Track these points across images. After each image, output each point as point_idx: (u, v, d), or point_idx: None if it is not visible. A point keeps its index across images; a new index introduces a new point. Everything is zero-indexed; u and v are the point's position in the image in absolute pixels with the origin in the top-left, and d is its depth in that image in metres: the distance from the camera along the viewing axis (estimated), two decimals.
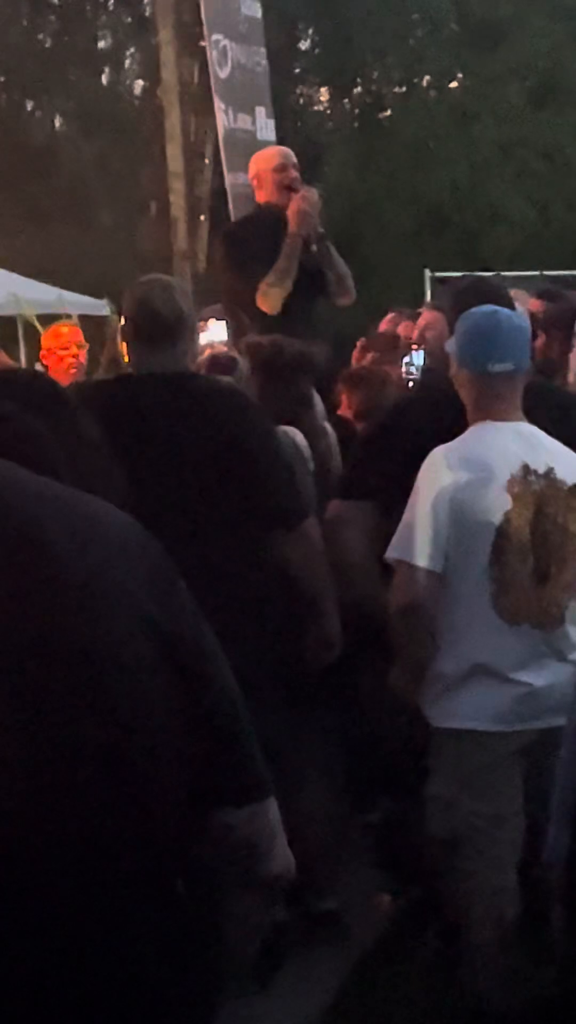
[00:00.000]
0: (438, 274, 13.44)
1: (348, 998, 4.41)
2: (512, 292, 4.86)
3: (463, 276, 10.28)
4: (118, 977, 1.97)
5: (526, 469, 3.84)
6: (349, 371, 5.90)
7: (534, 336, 4.88)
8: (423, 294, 13.17)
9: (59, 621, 1.98)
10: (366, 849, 5.02)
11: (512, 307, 4.46)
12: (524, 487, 3.83)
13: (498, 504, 3.80)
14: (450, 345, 4.03)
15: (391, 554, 3.88)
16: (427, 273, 13.42)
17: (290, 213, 6.26)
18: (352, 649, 4.38)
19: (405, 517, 3.87)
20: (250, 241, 6.31)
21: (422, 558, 3.80)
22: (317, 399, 5.07)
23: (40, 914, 1.92)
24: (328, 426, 5.05)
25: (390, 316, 7.70)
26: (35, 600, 1.98)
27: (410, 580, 3.83)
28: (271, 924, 4.26)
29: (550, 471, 3.87)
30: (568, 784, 3.07)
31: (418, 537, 3.81)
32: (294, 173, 6.44)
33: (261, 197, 6.50)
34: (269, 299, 6.06)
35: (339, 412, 5.53)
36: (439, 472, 3.84)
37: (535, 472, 3.85)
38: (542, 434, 3.94)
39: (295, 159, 6.61)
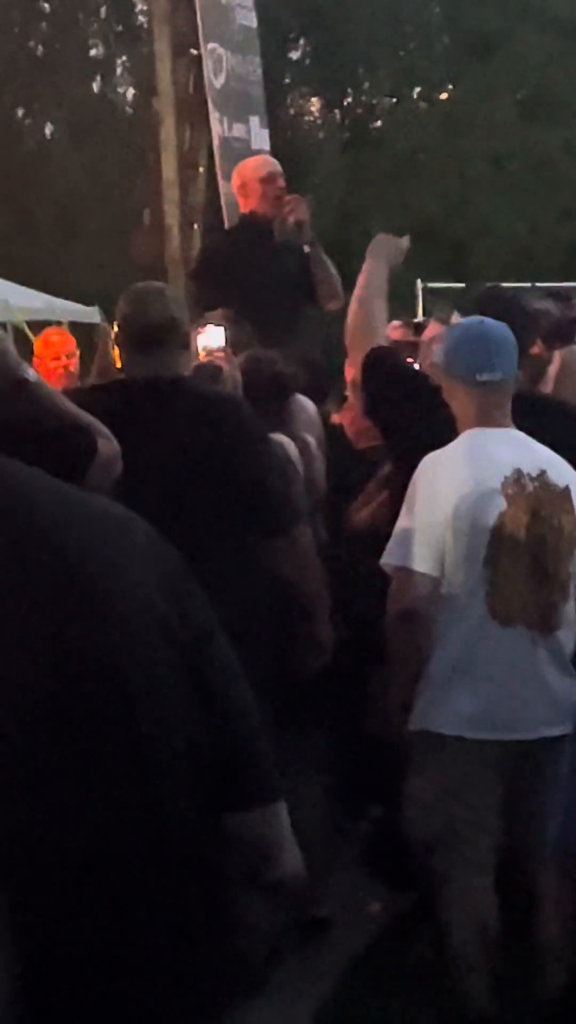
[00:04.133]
0: (430, 285, 13.48)
1: (339, 1004, 4.41)
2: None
3: (455, 287, 10.30)
4: (130, 977, 1.98)
5: (519, 472, 3.87)
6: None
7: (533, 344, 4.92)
8: (415, 305, 13.19)
9: (77, 621, 1.99)
10: (358, 856, 5.03)
11: (527, 317, 4.52)
12: (518, 489, 3.86)
13: (493, 506, 3.83)
14: (438, 355, 4.06)
15: (388, 560, 3.89)
16: (419, 284, 13.46)
17: (294, 222, 6.25)
18: (346, 655, 4.39)
19: (400, 523, 3.89)
20: (238, 251, 6.31)
21: (420, 563, 3.82)
22: (306, 407, 5.08)
23: (58, 912, 1.92)
24: (309, 436, 5.05)
25: (395, 324, 7.69)
26: (54, 601, 1.99)
27: (408, 586, 3.85)
28: (280, 928, 4.26)
29: (543, 474, 3.90)
30: None
31: (415, 543, 3.83)
32: (282, 183, 6.45)
33: (247, 206, 6.48)
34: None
35: (334, 419, 5.53)
36: (433, 477, 3.87)
37: (528, 475, 3.88)
38: (532, 440, 3.97)
39: (280, 169, 6.61)
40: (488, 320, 4.06)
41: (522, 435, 3.98)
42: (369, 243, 4.77)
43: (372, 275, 4.66)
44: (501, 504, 3.84)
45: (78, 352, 7.68)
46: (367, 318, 4.57)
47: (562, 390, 4.91)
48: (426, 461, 3.92)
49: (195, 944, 2.07)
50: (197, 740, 2.09)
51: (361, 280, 4.66)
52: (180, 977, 2.04)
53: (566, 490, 3.93)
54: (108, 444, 3.22)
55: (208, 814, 2.14)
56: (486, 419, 3.96)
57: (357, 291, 4.65)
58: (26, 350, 12.16)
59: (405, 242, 4.85)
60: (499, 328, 4.02)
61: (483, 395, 3.95)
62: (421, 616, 3.85)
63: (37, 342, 7.96)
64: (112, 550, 2.09)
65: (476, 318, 4.05)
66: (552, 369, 5.00)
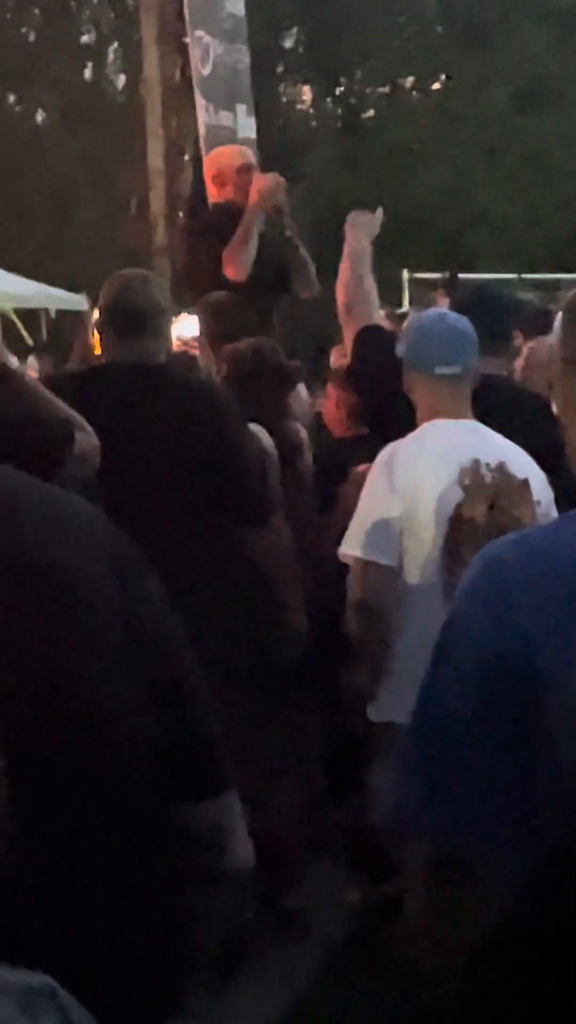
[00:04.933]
0: (416, 275, 13.48)
1: (314, 995, 4.41)
2: None
3: (442, 277, 10.29)
4: (83, 967, 1.96)
5: (477, 463, 3.88)
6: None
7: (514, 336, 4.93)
8: (401, 295, 13.18)
9: (22, 604, 1.98)
10: (336, 847, 5.02)
11: (505, 309, 4.52)
12: (476, 480, 3.87)
13: (450, 496, 3.83)
14: (400, 348, 4.07)
15: (344, 550, 3.89)
16: (405, 274, 13.46)
17: (255, 188, 6.18)
18: (328, 644, 4.37)
19: (357, 513, 3.89)
20: (216, 240, 6.27)
21: (377, 554, 3.82)
22: (301, 395, 5.07)
23: (9, 903, 1.91)
24: (300, 426, 5.05)
25: (380, 314, 7.66)
26: (5, 590, 1.98)
27: (364, 576, 3.84)
28: (235, 918, 4.26)
29: (502, 465, 3.91)
30: None
31: (371, 532, 3.83)
32: (257, 174, 6.41)
33: (220, 196, 6.43)
34: (234, 265, 5.97)
35: (317, 407, 5.53)
36: (391, 468, 3.87)
37: (487, 466, 3.89)
38: (492, 431, 3.99)
39: (254, 160, 6.57)
40: (448, 313, 4.10)
41: (482, 426, 4.00)
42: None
43: (356, 249, 4.66)
44: (459, 494, 3.85)
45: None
46: (360, 291, 4.57)
47: (528, 381, 4.92)
48: (384, 452, 3.93)
49: (148, 933, 2.06)
50: (149, 730, 2.08)
51: (347, 257, 4.66)
52: (133, 966, 2.04)
53: (525, 481, 3.94)
54: (86, 437, 3.22)
55: (160, 803, 2.13)
56: (445, 411, 3.97)
57: (345, 268, 4.64)
58: (13, 336, 12.13)
59: (379, 215, 4.86)
60: (459, 321, 4.05)
61: (442, 388, 3.96)
62: (379, 607, 3.85)
63: None
64: (67, 542, 2.08)
65: (437, 311, 4.09)
66: (519, 362, 5.01)
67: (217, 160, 6.61)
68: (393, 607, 3.86)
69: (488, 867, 1.62)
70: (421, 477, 3.85)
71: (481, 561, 1.76)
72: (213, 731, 2.26)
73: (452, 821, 1.68)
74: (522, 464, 3.96)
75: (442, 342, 3.98)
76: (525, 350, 5.09)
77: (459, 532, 3.83)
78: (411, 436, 3.96)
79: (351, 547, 3.88)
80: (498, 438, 3.98)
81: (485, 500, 3.87)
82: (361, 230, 4.72)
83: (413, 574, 3.84)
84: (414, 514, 3.83)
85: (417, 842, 1.84)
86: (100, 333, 4.33)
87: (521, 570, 1.69)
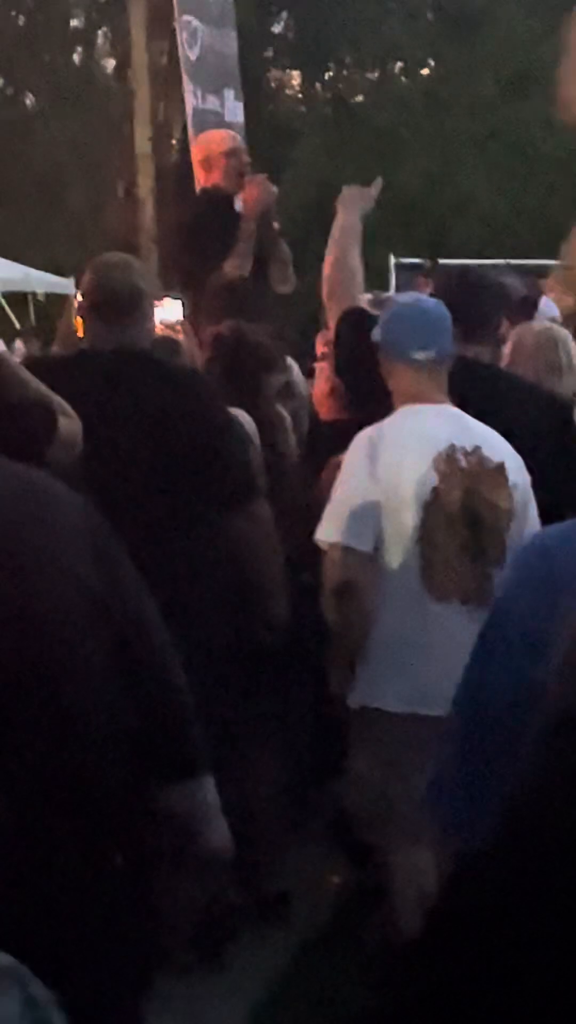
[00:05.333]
0: (403, 260, 13.48)
1: (296, 978, 4.42)
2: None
3: (425, 262, 10.26)
4: (51, 942, 1.97)
5: (452, 447, 3.89)
6: None
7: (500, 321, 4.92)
8: (387, 280, 13.18)
9: (1, 593, 1.98)
10: (318, 830, 5.04)
11: (491, 294, 4.53)
12: (451, 464, 3.87)
13: (425, 481, 3.84)
14: (376, 334, 4.07)
15: (320, 536, 3.90)
16: (392, 259, 13.46)
17: (247, 198, 6.22)
18: (313, 627, 4.38)
19: (333, 498, 3.90)
20: (204, 224, 6.27)
21: (352, 538, 3.83)
22: (295, 376, 5.06)
23: None
24: (283, 411, 5.05)
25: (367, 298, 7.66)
26: None
27: (341, 561, 3.85)
28: (212, 900, 4.27)
29: (477, 449, 3.92)
30: None
31: (347, 518, 3.84)
32: (246, 159, 6.42)
33: (208, 180, 6.43)
34: (233, 271, 6.02)
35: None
36: (366, 452, 3.89)
37: (463, 450, 3.89)
38: (468, 416, 3.99)
39: (244, 144, 6.57)
40: (423, 298, 4.11)
41: (457, 411, 4.00)
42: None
43: (347, 228, 4.64)
44: (434, 479, 3.85)
45: None
46: (345, 272, 4.56)
47: (515, 368, 4.91)
48: (359, 436, 3.94)
49: (121, 916, 2.07)
50: (122, 712, 2.09)
51: (335, 233, 4.64)
52: (102, 943, 2.04)
53: (501, 465, 3.95)
54: (70, 422, 3.22)
55: (133, 786, 2.14)
56: (421, 396, 3.97)
57: (333, 246, 4.63)
58: (0, 320, 12.09)
59: (374, 189, 4.84)
60: (434, 306, 4.05)
61: (417, 372, 3.97)
62: (355, 592, 3.85)
63: None
64: (41, 523, 2.08)
65: (411, 295, 4.09)
66: (507, 348, 5.00)
67: (206, 144, 6.60)
68: (369, 593, 3.86)
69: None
70: (396, 463, 3.85)
71: (527, 551, 1.77)
72: (187, 713, 2.26)
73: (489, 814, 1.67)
74: (498, 448, 3.97)
75: (417, 327, 3.98)
76: (511, 336, 5.09)
77: (434, 517, 3.84)
78: (386, 421, 3.97)
79: (327, 533, 3.89)
80: (473, 423, 3.99)
81: (460, 485, 3.88)
82: (352, 206, 4.70)
83: (389, 560, 3.85)
84: (389, 500, 3.84)
85: (452, 834, 1.82)
86: (83, 318, 4.33)
87: (567, 559, 1.70)
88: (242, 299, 5.27)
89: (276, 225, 6.28)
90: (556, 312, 5.87)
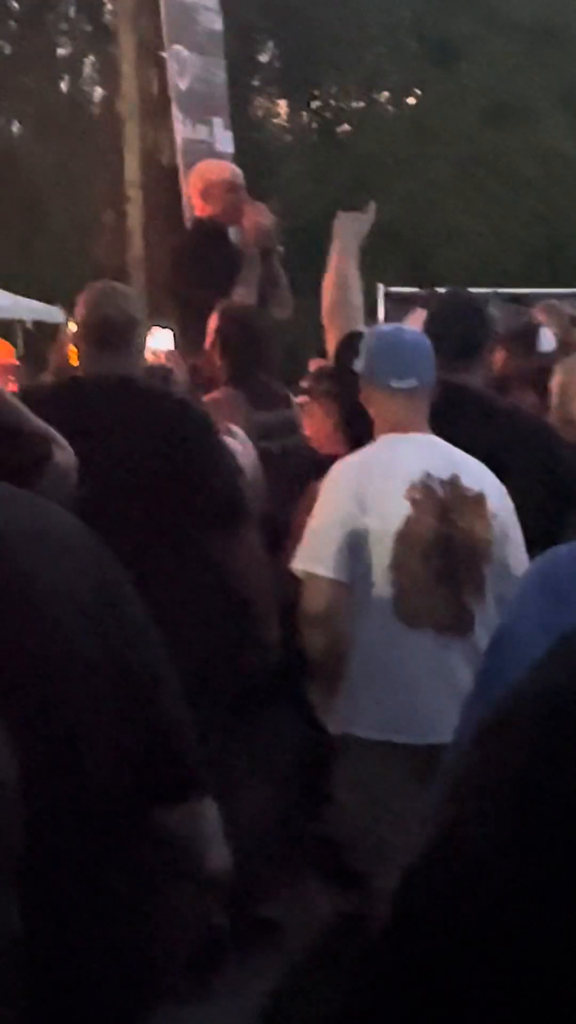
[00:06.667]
0: (391, 289, 13.52)
1: (284, 1005, 4.42)
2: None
3: (419, 292, 10.32)
4: (49, 967, 1.98)
5: (428, 476, 3.91)
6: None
7: (492, 350, 4.92)
8: (375, 308, 13.23)
9: (2, 615, 2.00)
10: (309, 857, 5.04)
11: (483, 321, 4.55)
12: (426, 493, 3.90)
13: (397, 510, 3.86)
14: (357, 363, 4.09)
15: (297, 565, 3.92)
16: (380, 288, 13.51)
17: (248, 227, 6.25)
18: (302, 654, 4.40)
19: (309, 527, 3.92)
20: (200, 255, 6.30)
21: (328, 568, 3.85)
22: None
23: None
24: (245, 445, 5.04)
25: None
26: None
27: (317, 591, 3.87)
28: (209, 925, 4.27)
29: (455, 478, 3.94)
30: None
31: (323, 547, 3.86)
32: (244, 193, 6.44)
33: (204, 211, 6.45)
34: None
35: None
36: (341, 481, 3.92)
37: (438, 480, 3.91)
38: (448, 445, 4.02)
39: (242, 177, 6.60)
40: (405, 328, 4.16)
41: (437, 440, 4.01)
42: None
43: (345, 252, 4.66)
44: (406, 508, 3.88)
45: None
46: (343, 299, 4.58)
47: (566, 405, 4.85)
48: (336, 466, 3.97)
49: (119, 940, 2.08)
50: (122, 735, 2.10)
51: (334, 258, 4.65)
52: (101, 968, 2.05)
53: (480, 495, 3.96)
54: (64, 453, 3.23)
55: (133, 810, 2.15)
56: (400, 425, 3.99)
57: (332, 272, 4.63)
58: None
59: (370, 213, 4.84)
60: (414, 336, 4.09)
61: (397, 401, 3.99)
62: (331, 621, 3.87)
63: None
64: (50, 555, 2.10)
65: (393, 325, 4.13)
66: (555, 382, 4.94)
67: (205, 175, 6.59)
68: (346, 621, 3.88)
69: None
70: (371, 492, 3.88)
71: (533, 571, 1.78)
72: (189, 738, 2.28)
73: None
74: (477, 477, 3.99)
75: (396, 356, 4.00)
76: (557, 372, 5.02)
77: (407, 546, 3.86)
78: (364, 450, 4.00)
79: (303, 562, 3.91)
80: (453, 451, 4.01)
81: (435, 514, 3.90)
82: (347, 233, 4.71)
83: (364, 589, 3.87)
84: (364, 529, 3.86)
85: None
86: (77, 346, 4.37)
87: (573, 580, 1.71)
88: (258, 331, 5.27)
89: (280, 249, 6.32)
90: (553, 345, 5.84)
